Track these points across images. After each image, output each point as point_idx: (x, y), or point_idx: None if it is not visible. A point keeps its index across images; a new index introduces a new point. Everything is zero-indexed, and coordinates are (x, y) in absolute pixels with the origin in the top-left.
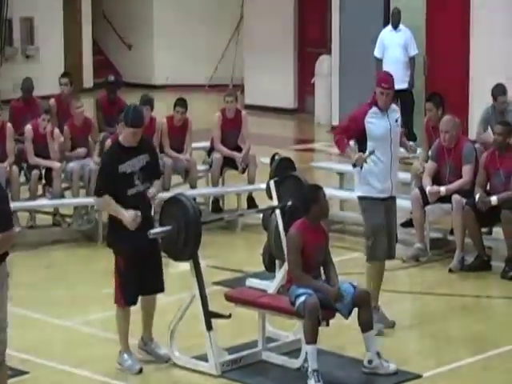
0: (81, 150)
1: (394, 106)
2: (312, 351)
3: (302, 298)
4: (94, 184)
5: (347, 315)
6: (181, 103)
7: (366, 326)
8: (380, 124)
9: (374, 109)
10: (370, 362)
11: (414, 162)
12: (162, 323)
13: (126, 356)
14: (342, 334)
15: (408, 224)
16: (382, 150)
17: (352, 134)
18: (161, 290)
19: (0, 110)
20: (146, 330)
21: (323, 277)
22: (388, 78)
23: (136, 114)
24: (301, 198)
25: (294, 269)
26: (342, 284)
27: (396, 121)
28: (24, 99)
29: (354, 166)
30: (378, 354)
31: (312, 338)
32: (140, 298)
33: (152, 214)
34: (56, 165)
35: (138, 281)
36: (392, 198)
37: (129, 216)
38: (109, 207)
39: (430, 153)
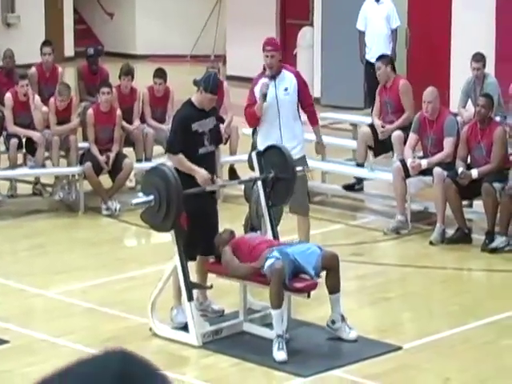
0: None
1: (286, 73)
2: (277, 316)
3: (270, 262)
4: (167, 140)
5: (314, 276)
6: (158, 74)
7: (332, 288)
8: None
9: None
10: (333, 322)
11: (387, 125)
12: (144, 294)
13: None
14: (324, 305)
15: (350, 187)
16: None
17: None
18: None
19: None
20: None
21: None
22: (271, 41)
23: (216, 82)
24: None
25: None
26: (310, 245)
27: (285, 89)
28: (5, 70)
29: None
30: (343, 317)
31: (278, 302)
32: (198, 257)
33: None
34: (36, 135)
35: (199, 239)
36: None
37: (204, 173)
38: (182, 165)
39: (412, 124)
